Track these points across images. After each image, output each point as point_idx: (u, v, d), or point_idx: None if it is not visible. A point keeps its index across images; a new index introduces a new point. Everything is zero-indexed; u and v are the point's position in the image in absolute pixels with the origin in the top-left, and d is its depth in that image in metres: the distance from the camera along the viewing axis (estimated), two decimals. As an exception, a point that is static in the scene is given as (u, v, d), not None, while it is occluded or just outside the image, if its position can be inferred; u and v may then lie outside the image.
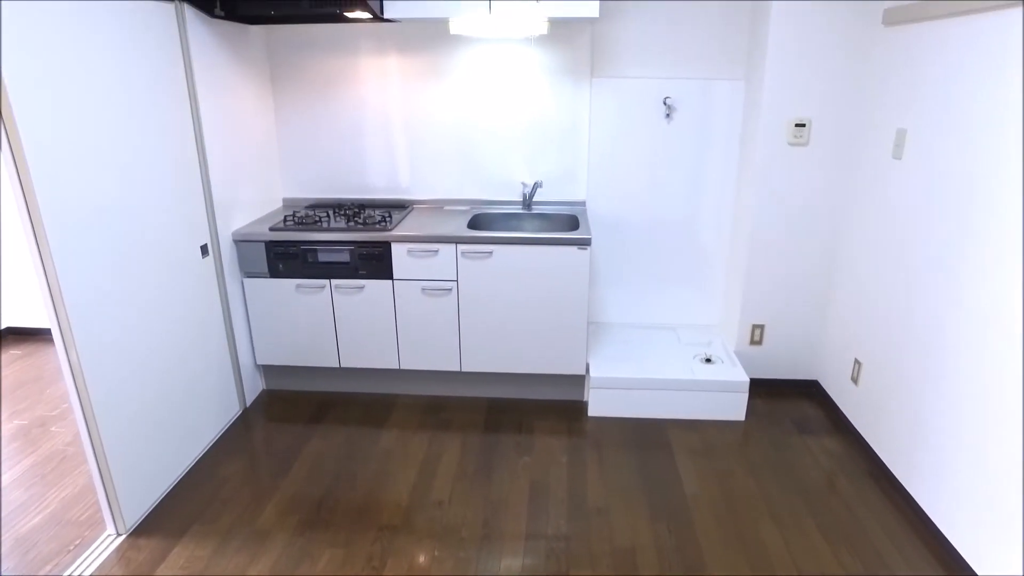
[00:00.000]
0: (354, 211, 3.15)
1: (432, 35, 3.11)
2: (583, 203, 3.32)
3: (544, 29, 2.87)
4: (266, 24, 3.04)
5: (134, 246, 2.26)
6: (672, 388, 2.90)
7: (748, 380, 2.88)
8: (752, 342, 3.20)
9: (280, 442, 2.79)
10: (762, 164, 2.90)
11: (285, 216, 2.98)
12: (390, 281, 2.90)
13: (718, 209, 3.27)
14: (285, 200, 3.42)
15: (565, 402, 3.13)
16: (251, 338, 3.06)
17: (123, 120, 2.19)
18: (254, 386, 3.15)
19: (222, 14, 2.72)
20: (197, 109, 2.59)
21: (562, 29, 3.07)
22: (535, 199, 3.33)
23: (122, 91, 2.20)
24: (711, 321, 3.49)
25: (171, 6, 2.46)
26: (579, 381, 3.10)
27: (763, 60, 2.80)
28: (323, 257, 2.88)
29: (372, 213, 3.09)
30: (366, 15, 2.69)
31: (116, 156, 2.15)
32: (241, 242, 2.90)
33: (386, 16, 2.69)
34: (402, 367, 3.05)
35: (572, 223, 3.13)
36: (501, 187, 3.32)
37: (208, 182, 2.68)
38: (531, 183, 3.29)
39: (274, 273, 2.93)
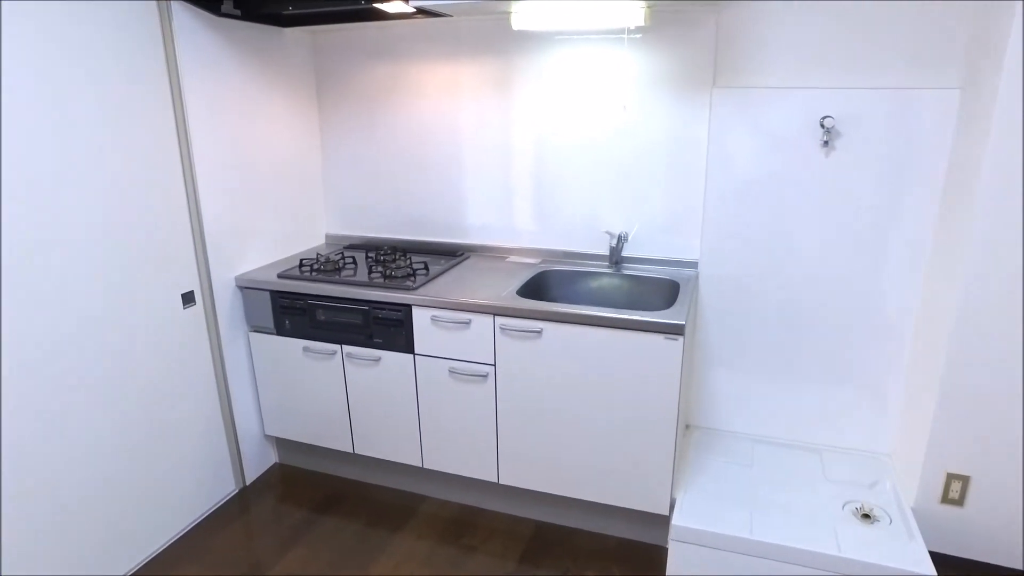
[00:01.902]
0: (389, 257, 2.51)
1: (495, 33, 2.38)
2: (694, 263, 2.38)
3: (642, 19, 2.02)
4: (302, 26, 2.51)
5: (76, 296, 1.78)
6: (805, 565, 1.88)
7: (934, 574, 1.78)
8: (945, 499, 2.05)
9: (268, 537, 2.21)
10: (988, 215, 1.80)
11: (302, 260, 2.42)
12: (411, 355, 2.21)
13: (900, 280, 2.17)
14: (328, 237, 2.88)
15: (637, 544, 2.21)
16: (259, 404, 2.53)
17: (68, 138, 1.73)
18: (263, 459, 2.62)
19: (238, 13, 2.21)
20: (185, 126, 2.09)
21: (671, 21, 2.19)
22: (627, 253, 2.45)
23: (70, 102, 1.74)
24: (878, 447, 2.36)
25: (152, 4, 1.98)
26: (659, 521, 2.18)
27: (1001, 58, 1.72)
28: (333, 316, 2.27)
29: (405, 262, 2.42)
30: (398, 7, 2.04)
31: (54, 179, 1.69)
32: (246, 289, 2.37)
33: (412, 4, 2.01)
34: (425, 466, 2.34)
35: (670, 293, 2.23)
36: (583, 235, 2.49)
37: (199, 215, 2.18)
38: (621, 231, 2.42)
39: (280, 329, 2.38)
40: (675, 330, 1.88)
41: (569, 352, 2.01)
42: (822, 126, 2.11)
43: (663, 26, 2.20)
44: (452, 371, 2.17)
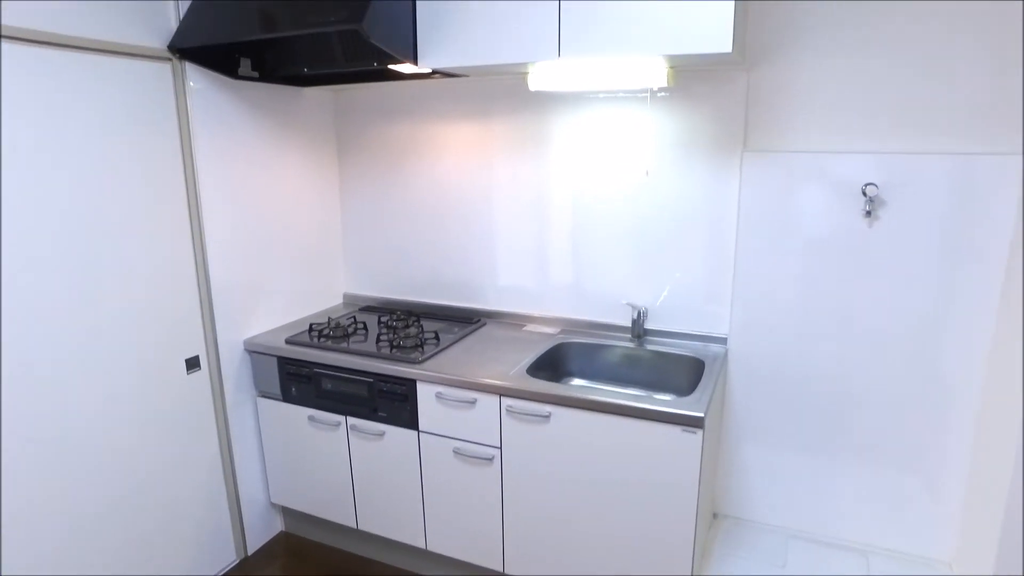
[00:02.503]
0: (401, 323, 2.42)
1: (514, 93, 2.30)
2: (723, 339, 2.20)
3: (665, 80, 1.90)
4: (320, 86, 2.49)
5: (74, 359, 1.76)
6: None
7: None
8: (1015, 627, 1.78)
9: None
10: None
11: (312, 325, 2.36)
12: (415, 432, 2.09)
13: (958, 361, 1.93)
14: (346, 296, 2.82)
15: (658, 652, 2.01)
16: (265, 471, 2.46)
17: (72, 196, 1.73)
18: (268, 527, 2.53)
19: (255, 75, 2.21)
20: (195, 187, 2.07)
21: (699, 79, 2.06)
22: (651, 325, 2.29)
23: (76, 158, 1.75)
24: (935, 552, 2.09)
25: (166, 66, 1.98)
26: (681, 627, 1.97)
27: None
28: (339, 386, 2.18)
29: (416, 330, 2.32)
30: (413, 68, 1.99)
31: (55, 237, 1.67)
32: (254, 353, 2.32)
33: (420, 66, 1.95)
34: (429, 548, 2.20)
35: (694, 373, 2.05)
36: (604, 305, 2.34)
37: (207, 279, 2.14)
38: (642, 306, 2.27)
39: (287, 396, 2.30)
40: (693, 423, 1.70)
41: (578, 438, 1.86)
42: (863, 194, 1.92)
43: (690, 85, 2.07)
44: (457, 451, 2.04)
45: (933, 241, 1.87)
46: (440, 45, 1.90)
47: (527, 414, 1.90)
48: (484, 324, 2.48)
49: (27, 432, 1.70)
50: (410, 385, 2.05)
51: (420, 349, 2.16)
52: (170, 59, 1.98)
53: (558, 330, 2.39)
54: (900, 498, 2.08)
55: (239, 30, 1.86)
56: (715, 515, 2.34)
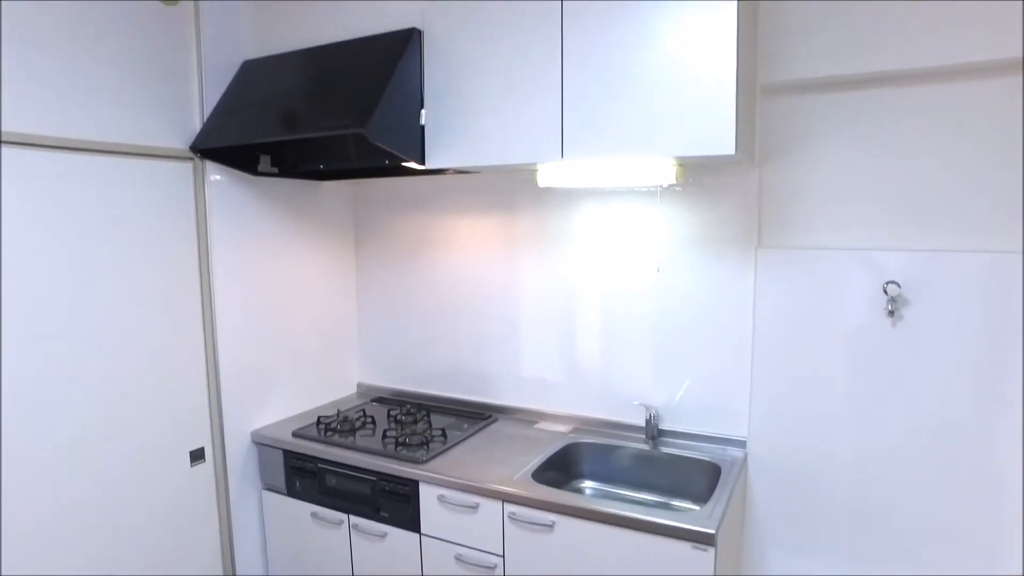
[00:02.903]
0: (410, 418, 2.37)
1: (525, 188, 2.32)
2: (742, 442, 2.08)
3: (673, 177, 1.88)
4: (338, 179, 2.56)
5: (76, 447, 1.76)
6: None
7: None
8: None
9: None
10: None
11: (320, 418, 2.33)
12: (417, 535, 2.01)
13: (1005, 473, 1.77)
14: (360, 386, 2.80)
15: None
16: (267, 567, 2.38)
17: (84, 282, 1.79)
18: (268, 628, 2.43)
19: (275, 171, 2.29)
20: (209, 278, 2.12)
21: (710, 174, 2.04)
22: (667, 426, 2.18)
23: (93, 250, 1.83)
24: None
25: (188, 165, 2.07)
26: None
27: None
28: (342, 483, 2.12)
29: (424, 426, 2.27)
30: (414, 165, 2.03)
31: (66, 320, 1.71)
32: (261, 445, 2.29)
33: (428, 165, 1.99)
34: (429, 662, 2.07)
35: (710, 479, 1.93)
36: (618, 403, 2.26)
37: (216, 371, 2.16)
38: (656, 406, 2.18)
39: (291, 491, 2.25)
40: (704, 540, 1.58)
41: (583, 550, 1.74)
42: (885, 292, 1.84)
43: (701, 180, 2.05)
44: (459, 558, 1.94)
45: (968, 344, 1.76)
46: (446, 146, 1.94)
47: (530, 522, 1.80)
48: (495, 420, 2.41)
49: (25, 512, 1.68)
50: (413, 486, 1.98)
51: (426, 447, 2.10)
52: (192, 158, 2.07)
53: (570, 428, 2.30)
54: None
55: (254, 133, 1.94)
56: (740, 636, 2.15)
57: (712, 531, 1.57)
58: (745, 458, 2.05)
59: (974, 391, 1.76)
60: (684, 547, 1.61)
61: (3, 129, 1.61)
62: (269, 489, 2.30)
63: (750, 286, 2.02)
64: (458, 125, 1.92)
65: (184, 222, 2.07)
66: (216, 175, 2.14)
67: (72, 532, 1.79)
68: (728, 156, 1.60)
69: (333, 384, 2.67)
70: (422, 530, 1.99)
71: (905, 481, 1.87)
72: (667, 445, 2.13)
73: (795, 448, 2.00)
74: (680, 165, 1.90)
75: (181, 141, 2.05)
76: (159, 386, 2.00)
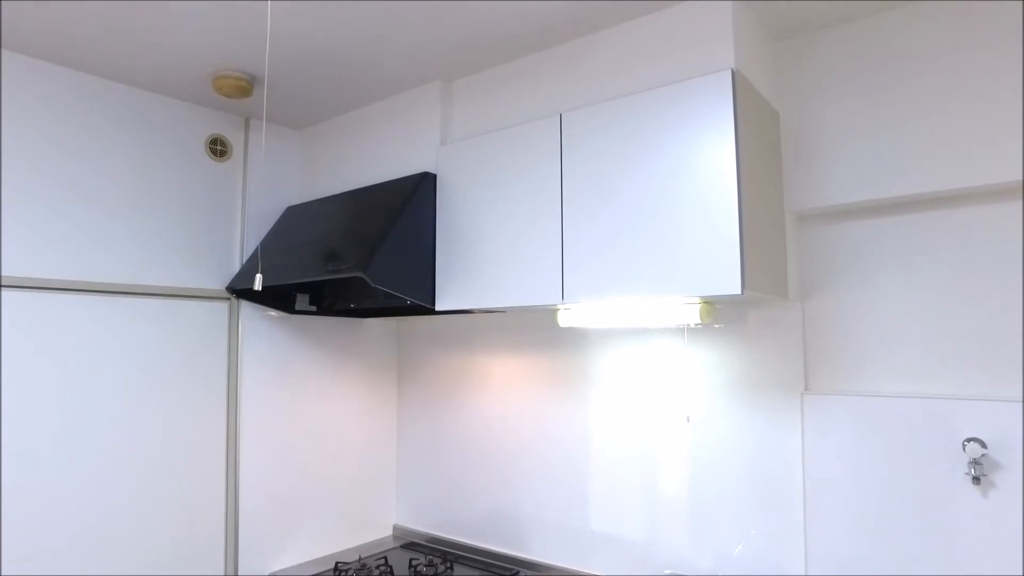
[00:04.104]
0: (431, 570, 2.19)
1: (553, 328, 2.21)
2: (802, 629, 1.71)
3: (698, 316, 1.70)
4: (378, 317, 2.58)
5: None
6: None
7: None
8: None
9: None
10: None
11: (337, 564, 2.20)
12: None
13: None
14: (396, 528, 2.66)
15: None
16: None
17: (111, 409, 1.88)
18: None
19: (313, 309, 2.35)
20: (236, 416, 2.15)
21: (744, 312, 1.84)
22: (713, 600, 1.86)
23: (122, 381, 1.93)
24: None
25: (224, 304, 2.17)
26: None
27: None
28: (345, 643, 1.96)
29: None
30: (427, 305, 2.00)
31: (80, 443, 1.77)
32: (277, 592, 2.20)
33: (438, 307, 1.94)
34: None
35: None
36: (653, 569, 1.96)
37: (236, 506, 2.12)
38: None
39: (299, 646, 2.12)
40: None
41: None
42: (964, 450, 1.50)
43: (736, 317, 1.85)
44: None
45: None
46: (454, 288, 1.91)
47: None
48: (521, 577, 2.18)
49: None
50: (410, 654, 1.79)
51: (432, 608, 1.91)
52: (228, 298, 2.17)
53: (602, 594, 2.02)
54: None
55: (271, 277, 2.01)
56: None
57: None
58: (806, 651, 1.68)
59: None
60: None
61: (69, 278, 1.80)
62: (282, 640, 2.18)
63: (797, 438, 1.74)
64: (465, 267, 1.89)
65: (217, 357, 2.14)
66: (251, 315, 2.22)
67: None
68: (735, 296, 1.43)
69: (368, 525, 2.56)
70: None
71: None
72: (711, 627, 1.80)
73: (869, 645, 1.60)
74: (706, 303, 1.73)
75: (220, 283, 2.16)
76: (173, 518, 2.00)
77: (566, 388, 2.18)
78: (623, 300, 1.61)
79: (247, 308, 2.22)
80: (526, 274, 1.75)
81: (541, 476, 2.23)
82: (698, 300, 1.67)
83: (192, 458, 2.05)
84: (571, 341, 2.18)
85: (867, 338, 1.68)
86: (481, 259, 1.85)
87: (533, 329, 2.28)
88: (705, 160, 1.46)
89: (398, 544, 2.53)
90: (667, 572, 1.89)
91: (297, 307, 2.31)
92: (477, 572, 2.21)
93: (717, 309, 1.86)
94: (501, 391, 2.36)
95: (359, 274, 1.72)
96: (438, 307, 1.94)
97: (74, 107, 1.87)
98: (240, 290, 2.16)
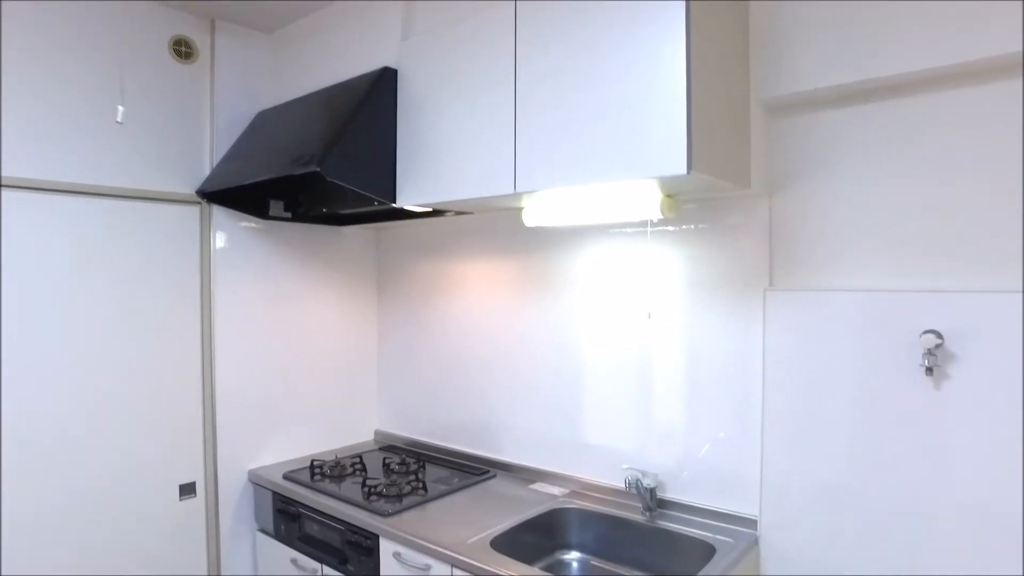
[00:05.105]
0: (402, 468, 2.26)
1: (523, 231, 2.19)
2: (753, 520, 1.73)
3: (659, 210, 1.66)
4: (355, 224, 2.57)
5: (65, 466, 1.86)
6: None
7: None
8: None
9: None
10: None
11: (312, 462, 2.28)
12: (377, 594, 1.87)
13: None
14: (377, 434, 2.73)
15: None
16: (259, 613, 2.34)
17: (86, 310, 1.92)
18: None
19: (288, 216, 2.36)
20: (211, 317, 2.19)
21: (710, 207, 1.80)
22: (670, 496, 1.88)
23: (96, 286, 1.97)
24: None
25: (194, 209, 2.17)
26: None
27: None
28: (316, 531, 2.05)
29: (411, 478, 2.14)
30: (418, 208, 1.99)
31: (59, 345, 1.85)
32: (256, 485, 2.28)
33: (399, 204, 1.92)
34: None
35: (702, 561, 1.61)
36: (616, 469, 1.99)
37: (213, 407, 2.19)
38: (652, 473, 1.89)
39: (277, 534, 2.21)
40: (651, 638, 1.30)
41: (529, 635, 1.51)
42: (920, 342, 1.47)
43: (703, 213, 1.81)
44: (412, 626, 1.77)
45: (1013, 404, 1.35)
46: (414, 184, 1.88)
47: (476, 593, 1.60)
48: (492, 477, 2.23)
49: (11, 533, 1.77)
50: (374, 539, 1.85)
51: (398, 500, 1.97)
52: (199, 203, 2.18)
53: (567, 492, 2.06)
54: None
55: (237, 178, 2.00)
56: None
57: (660, 628, 1.28)
58: (756, 541, 1.70)
59: (1042, 476, 1.34)
60: (631, 644, 1.34)
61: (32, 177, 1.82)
62: (263, 531, 2.28)
63: (758, 336, 1.72)
64: (426, 162, 1.85)
65: (190, 264, 2.16)
66: (223, 220, 2.23)
67: (55, 554, 1.86)
68: (682, 176, 1.38)
69: (350, 430, 2.64)
70: (381, 590, 1.85)
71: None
72: (665, 518, 1.83)
73: (816, 531, 1.62)
74: (667, 197, 1.68)
75: (190, 187, 2.16)
76: (152, 417, 2.07)
77: (537, 292, 2.18)
78: (575, 189, 1.58)
79: (220, 215, 2.22)
80: (481, 166, 1.72)
81: (514, 381, 2.26)
82: (658, 191, 1.63)
83: (166, 364, 2.10)
84: (541, 244, 2.16)
85: (835, 233, 1.63)
86: (440, 154, 1.82)
87: (504, 233, 2.26)
88: (654, 42, 1.39)
89: (380, 447, 2.61)
90: (624, 466, 1.92)
91: (271, 213, 2.31)
92: (448, 471, 2.27)
93: (680, 204, 1.82)
94: (477, 298, 2.37)
95: (315, 169, 1.70)
96: (399, 203, 1.92)
97: (33, 6, 1.84)
98: (210, 194, 2.16)
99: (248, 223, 2.30)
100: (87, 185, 1.92)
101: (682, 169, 1.35)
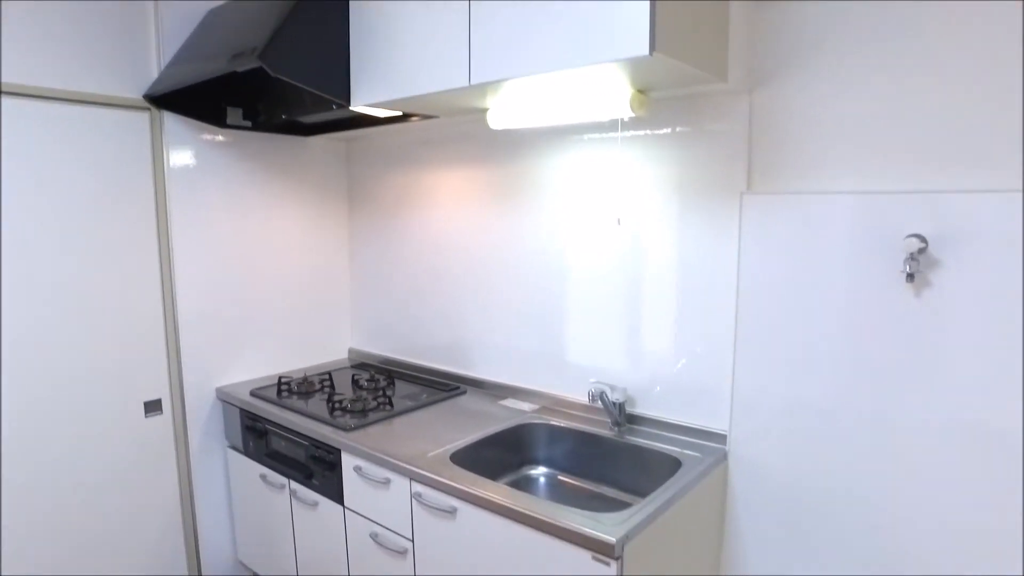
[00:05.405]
0: (371, 384, 2.21)
1: (492, 138, 2.06)
2: (723, 436, 1.68)
3: (628, 107, 1.53)
4: (322, 134, 2.43)
5: (27, 378, 1.81)
6: None
7: None
8: None
9: None
10: None
11: (280, 378, 2.23)
12: (341, 507, 1.85)
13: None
14: (351, 352, 2.68)
15: None
16: (232, 525, 2.34)
17: (36, 228, 1.80)
18: (238, 587, 2.40)
19: (248, 124, 2.22)
20: (168, 232, 2.09)
21: (686, 105, 1.66)
22: (640, 411, 1.83)
23: (44, 201, 1.86)
24: None
25: (143, 115, 2.04)
26: None
27: None
28: (282, 446, 2.02)
29: (378, 394, 2.10)
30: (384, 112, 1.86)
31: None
32: (225, 402, 2.25)
33: (354, 105, 1.79)
34: (357, 646, 1.91)
35: (668, 472, 1.57)
36: (583, 383, 1.94)
37: (175, 323, 2.13)
38: (621, 387, 1.83)
39: (246, 450, 2.19)
40: (604, 551, 1.26)
41: (484, 545, 1.48)
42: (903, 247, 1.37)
43: (677, 113, 1.67)
44: (374, 536, 1.75)
45: (1010, 316, 1.26)
46: (368, 83, 1.74)
47: (434, 506, 1.57)
48: (462, 393, 2.18)
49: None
50: (337, 454, 1.82)
51: (363, 415, 1.93)
52: (148, 109, 2.04)
53: (537, 407, 2.02)
54: None
55: (175, 80, 1.86)
56: (715, 672, 1.76)
57: (612, 540, 1.24)
58: (725, 456, 1.66)
59: (1019, 385, 1.26)
60: (583, 556, 1.30)
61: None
62: (233, 448, 2.26)
63: (733, 243, 1.62)
64: (378, 58, 1.70)
65: (141, 175, 2.04)
66: (178, 130, 2.09)
67: (18, 472, 1.84)
68: (646, 60, 1.24)
69: (324, 348, 2.58)
70: (345, 503, 1.82)
71: (922, 486, 1.39)
72: (635, 434, 1.79)
73: (786, 446, 1.57)
74: (638, 92, 1.54)
75: (137, 91, 2.02)
76: (111, 333, 2.00)
77: (510, 203, 2.06)
78: (534, 80, 1.44)
79: (175, 125, 2.08)
80: (437, 58, 1.57)
81: (487, 295, 2.18)
82: (627, 84, 1.50)
83: (121, 284, 2.01)
84: (512, 152, 2.03)
85: (820, 134, 1.50)
86: (393, 48, 1.66)
87: (475, 141, 2.13)
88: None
89: (352, 365, 2.56)
90: (592, 380, 1.86)
91: (229, 121, 2.17)
92: (417, 388, 2.23)
93: (653, 101, 1.68)
94: (449, 210, 2.25)
95: (256, 64, 1.56)
96: (354, 104, 1.78)
97: None
98: (158, 99, 2.02)
99: (207, 134, 2.16)
100: (18, 85, 1.78)
101: (644, 50, 1.21)
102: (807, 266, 1.50)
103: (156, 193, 2.08)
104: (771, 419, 1.59)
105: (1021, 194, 1.24)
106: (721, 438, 1.68)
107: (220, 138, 2.20)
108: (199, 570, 2.27)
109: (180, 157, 2.11)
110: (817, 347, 1.50)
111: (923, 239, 1.34)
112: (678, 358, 1.76)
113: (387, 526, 1.71)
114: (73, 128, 1.89)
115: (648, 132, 1.73)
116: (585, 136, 1.85)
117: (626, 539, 1.27)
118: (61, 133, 1.87)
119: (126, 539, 2.08)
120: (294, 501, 2.01)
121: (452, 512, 1.53)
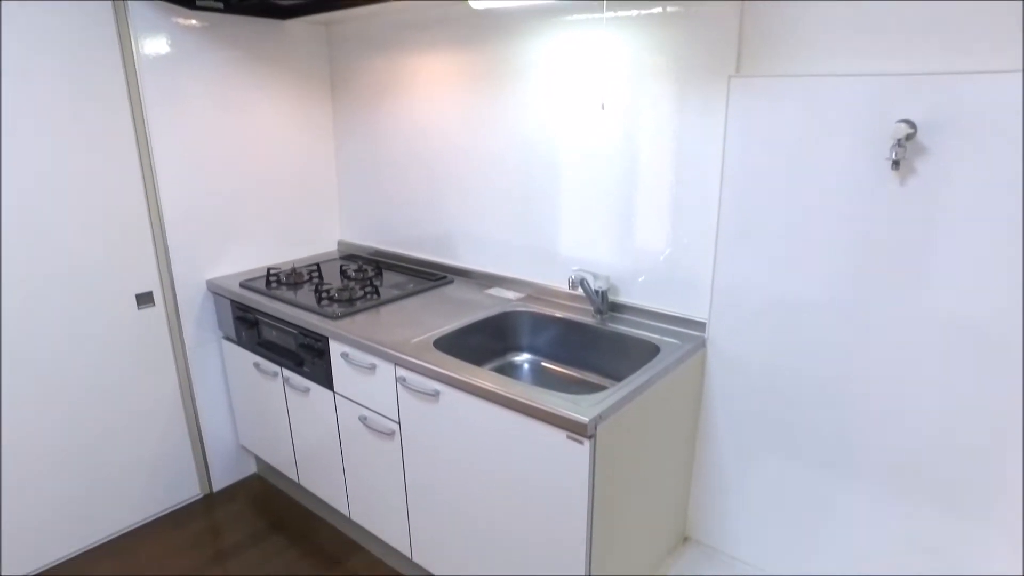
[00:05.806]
0: (359, 275, 2.23)
1: (476, 20, 1.95)
2: (702, 324, 1.72)
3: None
4: (300, 17, 2.29)
5: (19, 280, 1.83)
6: None
7: None
8: None
9: (200, 550, 2.09)
10: None
11: (269, 270, 2.24)
12: (331, 392, 1.91)
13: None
14: (340, 244, 2.68)
15: None
16: (232, 411, 2.44)
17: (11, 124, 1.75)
18: (239, 468, 2.52)
19: (219, 6, 2.09)
20: (145, 124, 2.02)
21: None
22: (622, 299, 1.86)
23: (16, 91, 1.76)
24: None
25: (106, 3, 1.92)
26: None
27: None
28: (274, 336, 2.06)
29: (365, 284, 2.12)
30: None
31: None
32: (216, 294, 2.28)
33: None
34: (352, 517, 2.04)
35: (649, 358, 1.62)
36: (569, 271, 1.95)
37: (160, 219, 2.11)
38: (607, 275, 1.84)
39: (239, 340, 2.24)
40: (577, 430, 1.32)
41: (465, 425, 1.55)
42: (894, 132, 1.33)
43: (664, -6, 1.58)
44: (362, 419, 1.83)
45: (1003, 207, 1.25)
46: (338, -51, 1.62)
47: (417, 389, 1.62)
48: (449, 282, 2.20)
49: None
50: (325, 341, 1.86)
51: (350, 304, 1.96)
52: (110, -6, 1.92)
53: (522, 296, 2.04)
54: (939, 546, 1.49)
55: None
56: (685, 538, 1.90)
57: (585, 420, 1.29)
58: (704, 343, 1.70)
59: (1009, 281, 1.26)
60: (559, 436, 1.36)
61: None
62: (227, 338, 2.31)
63: (719, 128, 1.57)
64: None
65: (110, 63, 1.95)
66: (148, 14, 1.98)
67: (15, 369, 1.89)
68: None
69: (312, 241, 2.58)
70: (335, 388, 1.89)
71: (901, 384, 1.44)
72: (617, 321, 1.82)
73: (764, 336, 1.60)
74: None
75: (93, -33, 1.89)
76: (94, 228, 1.99)
77: (494, 88, 1.99)
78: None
79: (141, 9, 1.95)
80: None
81: (473, 183, 2.15)
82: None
83: (102, 181, 1.96)
84: (497, 35, 1.93)
85: (812, 13, 1.42)
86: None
87: (456, 23, 2.02)
88: None
89: (341, 256, 2.58)
90: (574, 268, 1.88)
91: (199, 3, 2.05)
92: (404, 278, 2.25)
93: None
94: (434, 96, 2.18)
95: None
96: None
97: None
98: (120, -25, 1.90)
99: (178, 18, 2.05)
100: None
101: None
102: (793, 154, 1.47)
103: (128, 84, 1.99)
104: (752, 308, 1.61)
105: (1021, 74, 1.19)
106: (701, 326, 1.72)
107: (193, 22, 2.09)
108: (204, 457, 2.39)
109: (151, 45, 2.00)
110: (801, 235, 1.50)
111: (912, 124, 1.30)
112: (663, 248, 1.76)
113: (375, 409, 1.78)
114: (34, 22, 1.78)
115: (637, 14, 1.64)
116: (569, 17, 1.75)
117: (599, 419, 1.32)
118: (20, 29, 1.76)
119: (133, 431, 2.18)
120: (287, 388, 2.08)
121: (435, 395, 1.59)
